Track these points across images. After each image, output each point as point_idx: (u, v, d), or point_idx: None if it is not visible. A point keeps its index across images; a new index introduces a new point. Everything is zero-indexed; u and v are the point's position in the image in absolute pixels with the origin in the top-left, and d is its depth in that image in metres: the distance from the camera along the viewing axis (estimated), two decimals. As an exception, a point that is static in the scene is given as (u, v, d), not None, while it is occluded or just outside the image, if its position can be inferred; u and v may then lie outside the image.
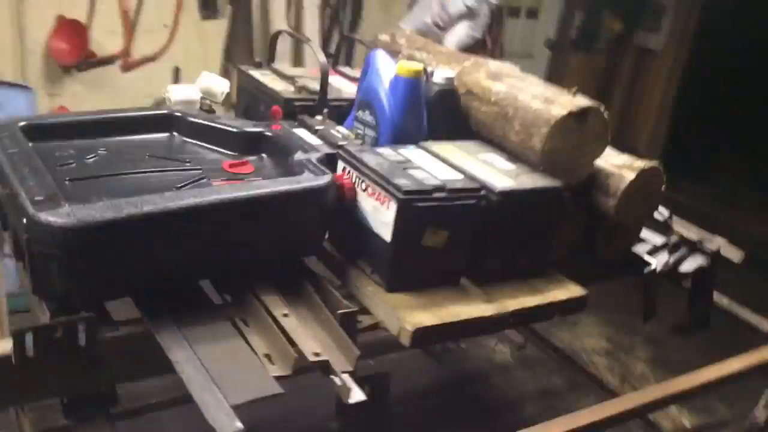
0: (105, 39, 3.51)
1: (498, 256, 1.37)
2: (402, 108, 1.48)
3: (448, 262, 1.32)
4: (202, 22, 3.74)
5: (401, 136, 1.49)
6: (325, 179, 1.25)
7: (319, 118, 1.59)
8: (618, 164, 1.50)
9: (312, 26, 3.82)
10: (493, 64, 1.64)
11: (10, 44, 3.29)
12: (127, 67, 3.57)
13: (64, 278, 1.02)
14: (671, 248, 1.75)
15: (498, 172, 1.40)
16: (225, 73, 3.86)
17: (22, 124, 1.29)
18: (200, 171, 1.32)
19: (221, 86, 1.65)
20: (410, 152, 1.41)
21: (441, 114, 1.57)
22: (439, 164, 1.38)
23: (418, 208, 1.22)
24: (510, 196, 1.32)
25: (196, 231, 1.11)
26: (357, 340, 1.17)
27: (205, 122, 1.44)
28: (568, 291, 1.42)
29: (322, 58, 1.63)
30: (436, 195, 1.24)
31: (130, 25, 3.53)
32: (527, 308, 1.34)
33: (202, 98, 1.62)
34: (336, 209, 1.29)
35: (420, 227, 1.24)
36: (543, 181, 1.40)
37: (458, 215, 1.28)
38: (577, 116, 1.39)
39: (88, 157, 1.30)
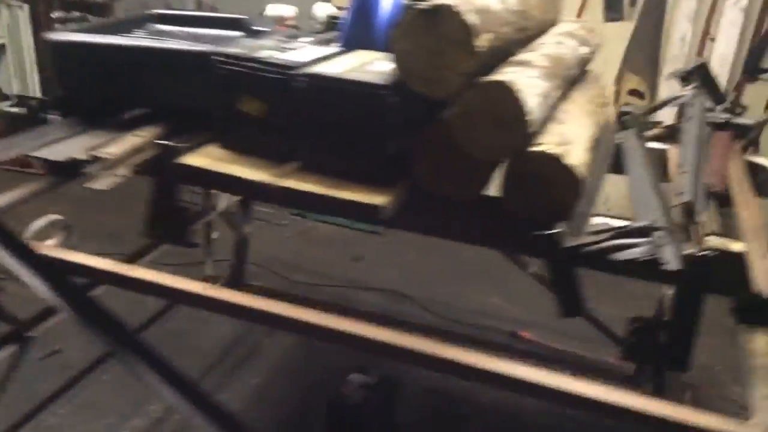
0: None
1: (315, 143, 1.40)
2: (353, 20, 1.61)
3: (272, 136, 1.44)
4: (604, 24, 3.81)
5: (352, 45, 1.62)
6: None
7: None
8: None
9: (731, 32, 3.44)
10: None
11: None
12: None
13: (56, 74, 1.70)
14: (627, 233, 1.27)
15: (358, 71, 1.41)
16: (620, 77, 3.85)
17: (151, 12, 2.01)
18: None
19: (324, 10, 2.01)
20: (315, 46, 1.56)
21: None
22: (319, 55, 1.49)
23: (224, 69, 1.42)
24: (317, 80, 1.35)
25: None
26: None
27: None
28: (367, 197, 1.33)
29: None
30: (246, 63, 1.41)
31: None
32: (302, 191, 1.35)
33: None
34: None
35: (233, 90, 1.43)
36: (369, 77, 1.35)
37: (271, 89, 1.40)
38: (426, 15, 1.28)
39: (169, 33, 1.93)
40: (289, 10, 1.95)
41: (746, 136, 1.77)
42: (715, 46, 3.50)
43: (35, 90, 4.60)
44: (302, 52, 1.49)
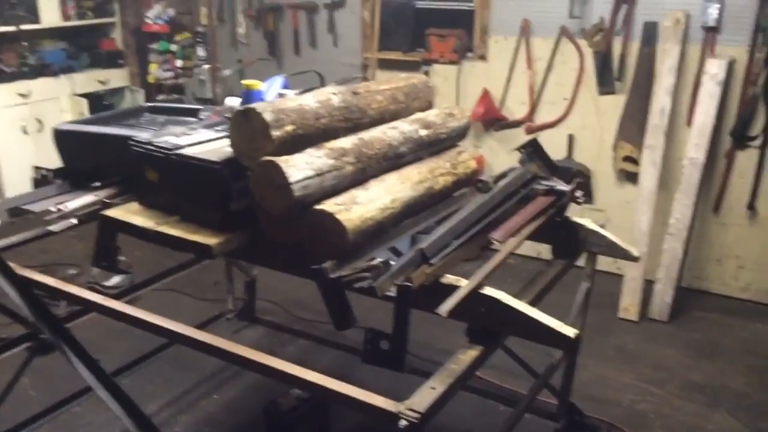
0: (515, 107, 4.47)
1: (187, 202, 2.02)
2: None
3: (167, 196, 2.08)
4: (599, 97, 4.19)
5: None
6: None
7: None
8: (279, 158, 1.83)
9: (709, 104, 3.71)
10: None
11: (451, 107, 4.63)
12: (530, 131, 4.40)
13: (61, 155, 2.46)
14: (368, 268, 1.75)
15: (213, 152, 2.01)
16: (616, 144, 4.18)
17: (144, 105, 2.76)
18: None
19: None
20: (209, 132, 2.19)
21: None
22: (201, 139, 2.12)
23: (135, 149, 2.09)
24: (181, 157, 1.97)
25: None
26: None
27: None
28: (203, 238, 1.91)
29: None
30: (145, 145, 2.07)
31: (534, 97, 4.36)
32: (167, 234, 1.96)
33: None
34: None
35: (141, 163, 2.09)
36: (216, 156, 1.95)
37: (158, 163, 2.04)
38: (243, 114, 1.87)
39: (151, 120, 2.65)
40: (237, 102, 2.60)
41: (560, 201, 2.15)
42: (695, 116, 3.74)
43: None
44: (192, 137, 2.12)
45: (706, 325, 3.71)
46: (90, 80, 5.69)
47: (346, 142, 1.98)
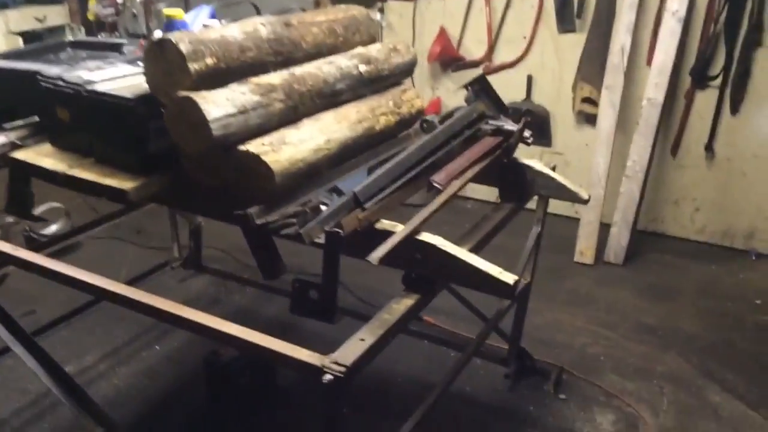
0: (473, 47, 4.28)
1: (98, 142, 1.85)
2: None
3: (80, 137, 1.90)
4: (559, 35, 4.03)
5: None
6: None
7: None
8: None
9: (669, 42, 3.58)
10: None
11: (407, 45, 4.44)
12: (489, 71, 4.24)
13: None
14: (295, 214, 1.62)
15: (128, 88, 1.83)
16: (575, 85, 4.05)
17: (66, 40, 2.54)
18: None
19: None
20: (128, 66, 2.00)
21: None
22: (117, 75, 1.94)
23: (44, 85, 1.89)
24: (93, 94, 1.79)
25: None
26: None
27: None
28: (118, 182, 1.75)
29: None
30: (54, 81, 1.88)
31: (493, 36, 4.19)
32: (79, 178, 1.80)
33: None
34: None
35: (52, 101, 1.90)
36: (130, 92, 1.77)
37: (67, 99, 1.86)
38: (158, 45, 1.69)
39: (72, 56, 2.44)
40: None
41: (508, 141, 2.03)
42: (655, 55, 3.62)
43: None
44: (107, 72, 1.93)
45: (660, 268, 3.68)
46: (26, 17, 5.34)
47: (276, 77, 1.82)
